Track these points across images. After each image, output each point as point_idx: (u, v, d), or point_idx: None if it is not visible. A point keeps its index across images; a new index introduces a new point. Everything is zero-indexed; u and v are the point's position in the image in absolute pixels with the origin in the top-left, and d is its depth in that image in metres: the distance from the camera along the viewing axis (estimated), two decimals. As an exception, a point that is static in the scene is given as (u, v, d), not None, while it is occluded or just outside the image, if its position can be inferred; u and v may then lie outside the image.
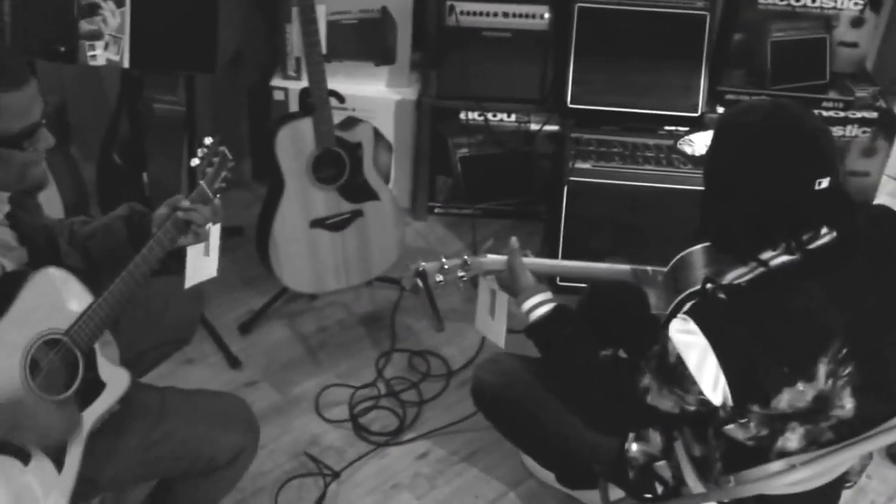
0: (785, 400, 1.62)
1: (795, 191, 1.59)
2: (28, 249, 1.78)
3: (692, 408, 1.68)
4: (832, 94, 3.17)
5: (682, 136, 3.00)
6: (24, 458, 1.63)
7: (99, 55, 2.46)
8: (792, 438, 1.69)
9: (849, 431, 1.70)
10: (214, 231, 1.91)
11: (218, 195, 1.86)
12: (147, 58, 2.49)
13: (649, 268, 2.07)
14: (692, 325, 1.62)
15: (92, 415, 1.76)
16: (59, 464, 1.70)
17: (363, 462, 2.53)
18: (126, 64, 2.48)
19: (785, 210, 1.61)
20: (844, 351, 1.62)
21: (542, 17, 3.15)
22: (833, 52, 3.16)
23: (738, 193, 1.63)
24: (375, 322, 3.00)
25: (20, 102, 1.60)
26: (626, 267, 2.10)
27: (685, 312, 1.66)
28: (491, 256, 2.07)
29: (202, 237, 1.87)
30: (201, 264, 1.94)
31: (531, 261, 2.06)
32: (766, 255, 1.65)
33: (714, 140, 1.69)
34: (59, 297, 1.71)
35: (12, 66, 1.61)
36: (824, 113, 3.16)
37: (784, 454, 1.70)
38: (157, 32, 2.47)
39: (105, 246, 1.89)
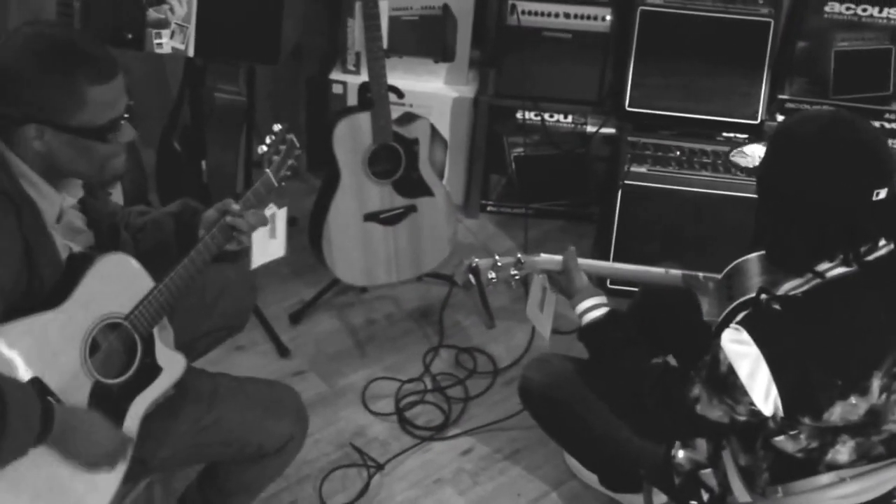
0: (837, 413, 1.60)
1: (853, 202, 1.57)
2: (94, 233, 1.81)
3: (742, 418, 1.66)
4: (895, 106, 3.12)
5: (736, 146, 2.96)
6: None
7: (165, 43, 2.51)
8: (842, 451, 1.67)
9: (901, 447, 1.68)
10: (280, 214, 1.92)
11: (283, 182, 1.87)
12: (211, 47, 2.53)
13: (701, 274, 2.06)
14: (745, 336, 1.60)
15: (147, 398, 1.79)
16: (113, 445, 1.73)
17: (407, 455, 2.55)
18: (191, 53, 2.52)
19: (842, 221, 1.59)
20: (900, 365, 1.59)
21: (603, 18, 3.14)
22: (898, 63, 3.10)
23: (795, 204, 1.61)
24: (424, 317, 3.02)
25: (107, 96, 1.60)
26: (677, 272, 2.09)
27: (738, 322, 1.64)
28: (545, 255, 2.07)
29: (244, 244, 1.87)
30: (268, 246, 1.95)
31: (584, 261, 2.06)
32: (822, 267, 1.63)
33: (770, 150, 1.67)
34: (123, 281, 1.74)
35: (102, 60, 1.60)
36: (886, 125, 3.11)
37: (833, 467, 1.68)
38: (222, 22, 2.51)
39: (153, 240, 1.92)
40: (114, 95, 1.61)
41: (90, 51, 1.60)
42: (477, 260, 2.08)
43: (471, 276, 2.07)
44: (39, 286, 1.63)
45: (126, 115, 1.66)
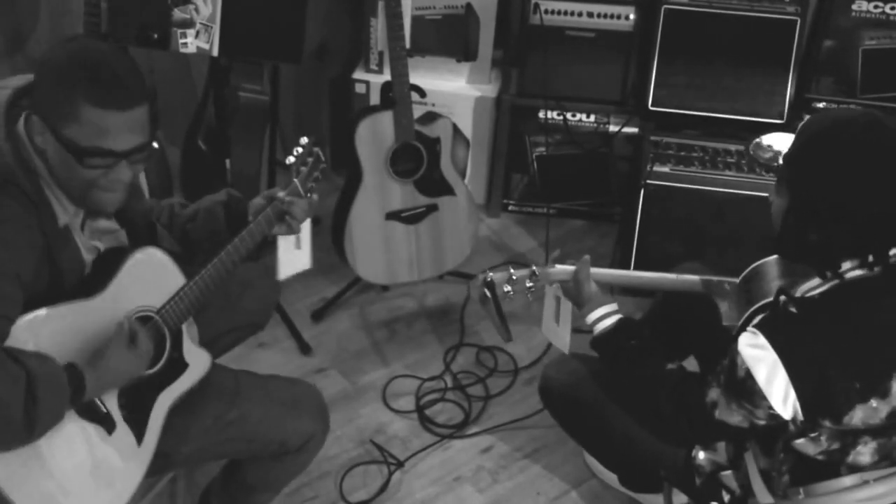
0: (858, 416, 1.59)
1: (892, 207, 1.55)
2: (127, 231, 1.83)
3: (762, 422, 1.65)
4: (924, 106, 3.09)
5: (752, 142, 2.89)
6: (110, 427, 1.70)
7: (190, 43, 2.53)
8: (864, 453, 1.65)
9: (924, 448, 1.66)
10: (305, 225, 1.96)
11: (310, 193, 1.92)
12: (235, 47, 2.55)
13: (718, 278, 2.04)
14: (762, 340, 1.59)
15: (173, 393, 1.82)
16: (139, 437, 1.76)
17: (427, 453, 2.56)
18: (215, 52, 2.54)
19: (880, 226, 1.57)
20: (919, 367, 1.58)
21: (626, 17, 3.13)
22: (927, 62, 3.07)
23: (832, 210, 1.57)
24: (445, 316, 3.03)
25: (103, 123, 1.55)
26: (695, 278, 2.07)
27: (755, 326, 1.63)
28: (559, 267, 2.06)
29: (295, 229, 1.91)
30: (294, 257, 2.00)
31: (599, 271, 2.04)
32: (843, 267, 1.61)
33: (804, 155, 1.62)
34: (156, 276, 1.77)
35: (119, 88, 1.55)
36: (915, 125, 3.08)
37: (855, 468, 1.67)
38: (246, 22, 2.53)
39: (205, 229, 1.95)
40: (111, 125, 1.55)
41: (112, 74, 1.55)
42: (492, 274, 2.07)
43: (486, 291, 2.06)
44: (60, 283, 1.65)
45: (127, 158, 1.60)
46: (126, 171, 1.62)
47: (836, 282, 1.61)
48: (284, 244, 1.97)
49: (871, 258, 1.59)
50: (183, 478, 2.24)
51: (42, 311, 1.59)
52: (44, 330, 1.59)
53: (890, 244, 1.59)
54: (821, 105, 3.11)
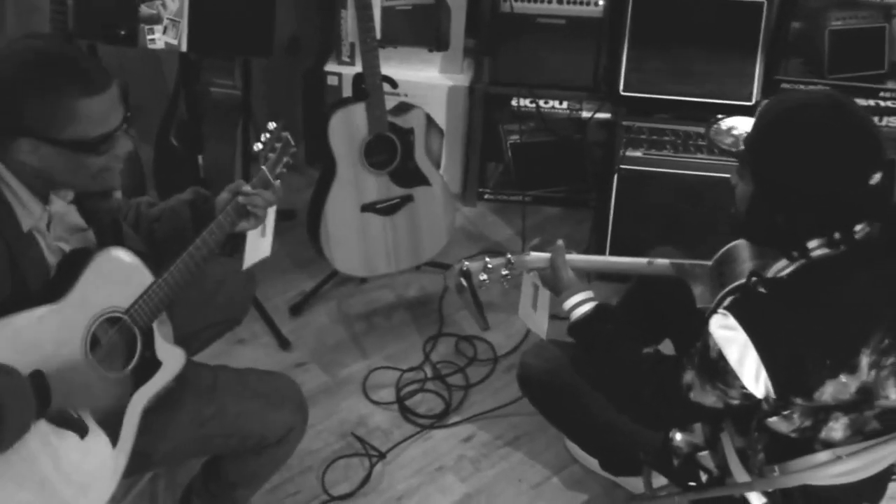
0: (828, 392, 1.61)
1: (855, 187, 1.57)
2: (95, 230, 1.81)
3: (736, 402, 1.67)
4: (890, 84, 3.12)
5: (711, 127, 2.89)
6: (82, 431, 1.68)
7: (158, 39, 2.51)
8: (836, 428, 1.68)
9: (895, 421, 1.69)
10: (270, 213, 1.94)
11: (279, 180, 1.89)
12: (204, 42, 2.53)
13: (687, 262, 2.05)
14: (732, 321, 1.61)
15: (147, 392, 1.80)
16: (114, 438, 1.74)
17: (409, 444, 2.56)
18: (184, 48, 2.52)
19: (843, 207, 1.58)
20: (886, 341, 1.60)
21: (596, 3, 3.14)
22: (892, 41, 3.09)
23: (798, 192, 1.59)
24: (423, 306, 3.03)
25: (99, 109, 1.58)
26: (666, 262, 2.08)
27: (725, 307, 1.65)
28: (535, 254, 2.06)
29: (261, 220, 1.90)
30: (258, 245, 1.98)
31: (573, 257, 2.05)
32: (810, 245, 1.63)
33: (766, 138, 1.63)
34: (122, 276, 1.75)
35: (92, 73, 1.58)
36: (882, 103, 3.11)
37: (828, 444, 1.69)
38: (215, 17, 2.51)
39: (170, 228, 1.94)
40: (105, 108, 1.59)
41: (80, 64, 1.58)
42: (467, 263, 2.07)
43: (462, 280, 2.07)
44: (24, 288, 1.64)
45: (124, 127, 1.64)
46: (125, 141, 1.66)
47: (803, 261, 1.63)
48: (252, 234, 1.95)
49: (837, 236, 1.61)
50: (164, 477, 2.23)
51: (7, 319, 1.58)
52: (9, 338, 1.58)
53: (854, 222, 1.61)
54: (789, 86, 3.14)
